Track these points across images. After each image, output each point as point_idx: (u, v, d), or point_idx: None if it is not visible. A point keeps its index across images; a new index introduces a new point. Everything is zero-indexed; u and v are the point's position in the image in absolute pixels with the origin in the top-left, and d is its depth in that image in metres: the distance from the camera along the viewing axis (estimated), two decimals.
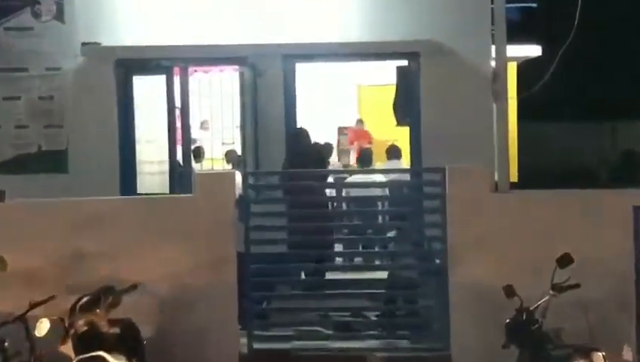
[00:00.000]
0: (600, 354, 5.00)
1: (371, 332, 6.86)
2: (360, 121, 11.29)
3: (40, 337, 5.29)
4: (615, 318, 5.76)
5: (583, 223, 5.97)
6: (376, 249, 7.53)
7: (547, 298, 5.01)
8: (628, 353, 5.45)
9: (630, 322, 5.75)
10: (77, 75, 8.65)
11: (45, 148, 8.45)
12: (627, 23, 18.85)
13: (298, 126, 8.34)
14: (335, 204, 7.92)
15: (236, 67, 8.64)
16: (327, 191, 8.08)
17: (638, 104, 17.75)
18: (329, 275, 7.39)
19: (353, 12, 8.59)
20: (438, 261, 6.43)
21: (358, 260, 8.03)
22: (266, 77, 8.46)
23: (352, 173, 8.86)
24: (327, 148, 9.40)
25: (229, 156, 9.17)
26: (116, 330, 5.47)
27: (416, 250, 6.88)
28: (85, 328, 5.41)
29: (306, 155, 7.61)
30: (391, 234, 7.27)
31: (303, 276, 7.19)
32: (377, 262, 7.64)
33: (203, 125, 9.83)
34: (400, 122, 8.62)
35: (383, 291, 6.96)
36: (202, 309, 6.08)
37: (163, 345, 5.90)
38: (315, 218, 6.73)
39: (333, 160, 10.19)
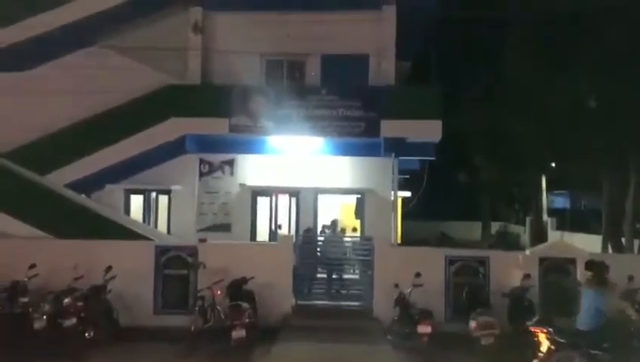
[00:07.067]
0: (430, 317, 9.10)
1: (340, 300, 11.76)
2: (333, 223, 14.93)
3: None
4: (433, 298, 9.99)
5: (427, 265, 10.15)
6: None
7: (411, 289, 9.42)
8: None
9: (439, 300, 10.16)
10: (237, 196, 15.29)
11: (221, 222, 15.14)
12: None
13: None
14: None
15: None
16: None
17: (459, 210, 24.80)
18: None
19: (345, 173, 14.99)
20: (369, 272, 10.76)
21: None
22: (304, 201, 14.90)
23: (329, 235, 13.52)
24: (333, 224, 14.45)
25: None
26: (247, 291, 9.52)
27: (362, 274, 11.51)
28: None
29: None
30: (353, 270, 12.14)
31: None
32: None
33: (279, 226, 15.46)
34: (357, 217, 15.45)
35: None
36: (275, 281, 10.32)
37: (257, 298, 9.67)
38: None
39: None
